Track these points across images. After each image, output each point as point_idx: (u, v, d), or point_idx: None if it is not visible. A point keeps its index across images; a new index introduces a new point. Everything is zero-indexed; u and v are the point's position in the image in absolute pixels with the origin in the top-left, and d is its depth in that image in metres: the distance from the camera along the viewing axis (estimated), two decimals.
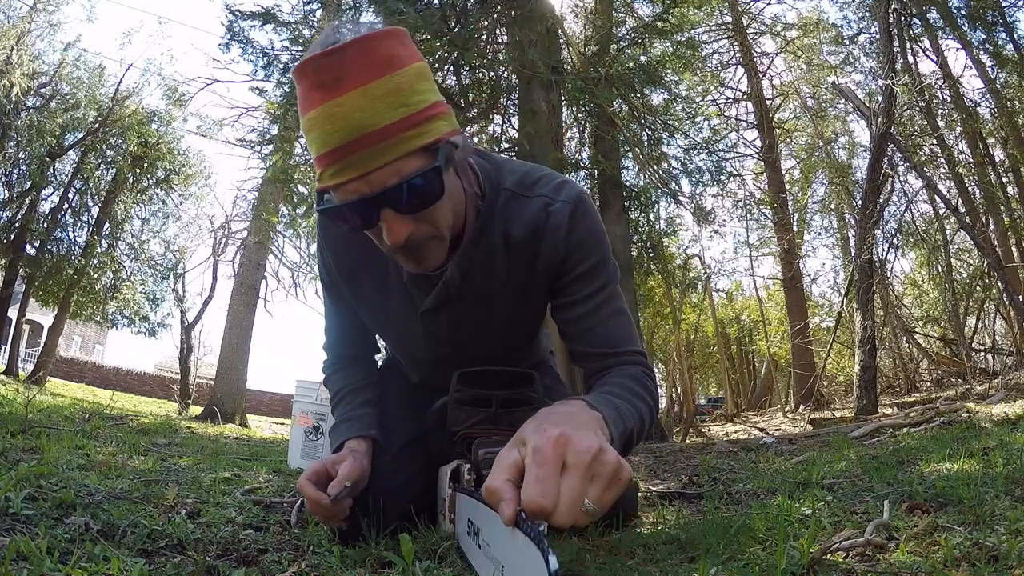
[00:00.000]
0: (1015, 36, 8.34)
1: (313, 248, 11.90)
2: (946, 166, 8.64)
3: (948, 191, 8.47)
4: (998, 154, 9.27)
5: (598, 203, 7.51)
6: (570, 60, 6.44)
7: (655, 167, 7.64)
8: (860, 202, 7.42)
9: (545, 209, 1.05)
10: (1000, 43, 8.47)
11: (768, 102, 12.50)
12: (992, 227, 8.70)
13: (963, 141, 9.44)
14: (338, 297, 1.22)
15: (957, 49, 9.77)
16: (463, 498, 1.01)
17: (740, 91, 12.66)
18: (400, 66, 0.85)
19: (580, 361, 1.11)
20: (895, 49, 6.96)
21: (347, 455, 1.08)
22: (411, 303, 1.13)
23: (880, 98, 6.60)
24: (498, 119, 6.95)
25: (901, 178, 8.40)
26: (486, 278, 1.09)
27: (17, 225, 10.91)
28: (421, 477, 1.22)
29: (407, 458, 1.23)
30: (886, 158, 6.86)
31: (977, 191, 8.96)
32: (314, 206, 0.95)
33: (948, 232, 9.34)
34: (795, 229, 13.23)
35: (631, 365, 1.07)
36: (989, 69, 8.65)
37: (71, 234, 11.88)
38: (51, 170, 11.13)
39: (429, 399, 1.26)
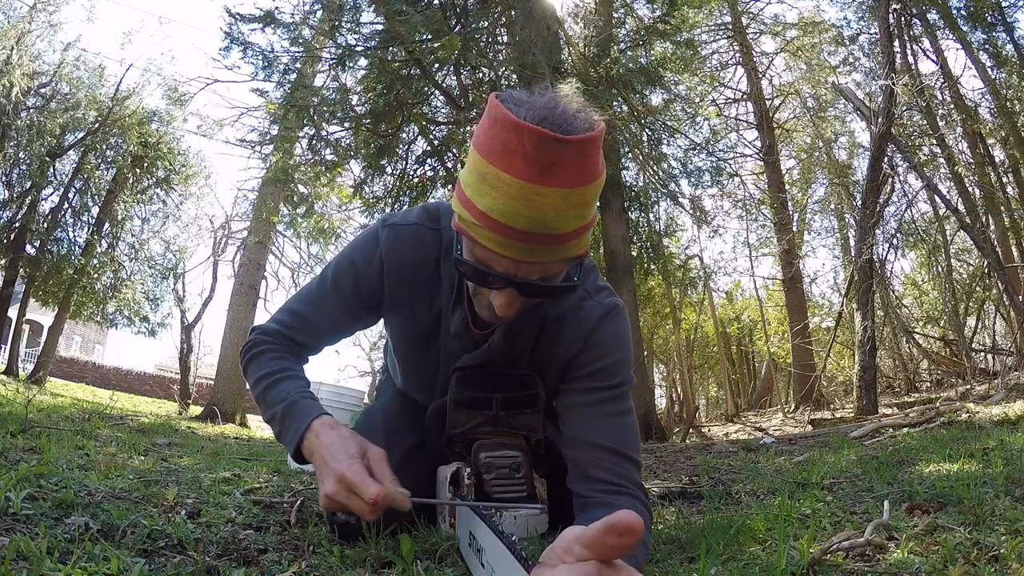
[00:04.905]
0: (1015, 36, 8.34)
1: (314, 248, 11.93)
2: (946, 166, 8.63)
3: (948, 191, 8.45)
4: (998, 154, 9.27)
5: (598, 204, 7.51)
6: (570, 60, 6.44)
7: (655, 167, 7.63)
8: (860, 202, 7.43)
9: (579, 301, 1.07)
10: (1000, 43, 8.46)
11: (768, 102, 12.49)
12: (992, 227, 8.68)
13: (963, 141, 9.43)
14: (343, 305, 1.13)
15: (957, 49, 9.78)
16: (464, 507, 1.01)
17: (740, 91, 12.65)
18: (596, 177, 0.86)
19: (569, 449, 1.04)
20: (895, 49, 6.96)
21: (366, 442, 0.95)
22: (448, 351, 1.13)
23: (880, 98, 6.59)
24: None
25: (901, 178, 8.40)
26: (520, 348, 1.10)
27: (17, 225, 10.90)
28: (426, 479, 1.22)
29: (413, 460, 1.23)
30: (886, 158, 6.86)
31: (977, 191, 8.94)
32: (453, 253, 0.93)
33: (948, 232, 9.34)
34: (795, 229, 13.22)
35: (635, 500, 0.98)
36: (989, 69, 8.64)
37: (71, 234, 11.86)
38: (51, 170, 11.11)
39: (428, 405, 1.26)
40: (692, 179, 8.12)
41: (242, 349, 1.16)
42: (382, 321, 1.23)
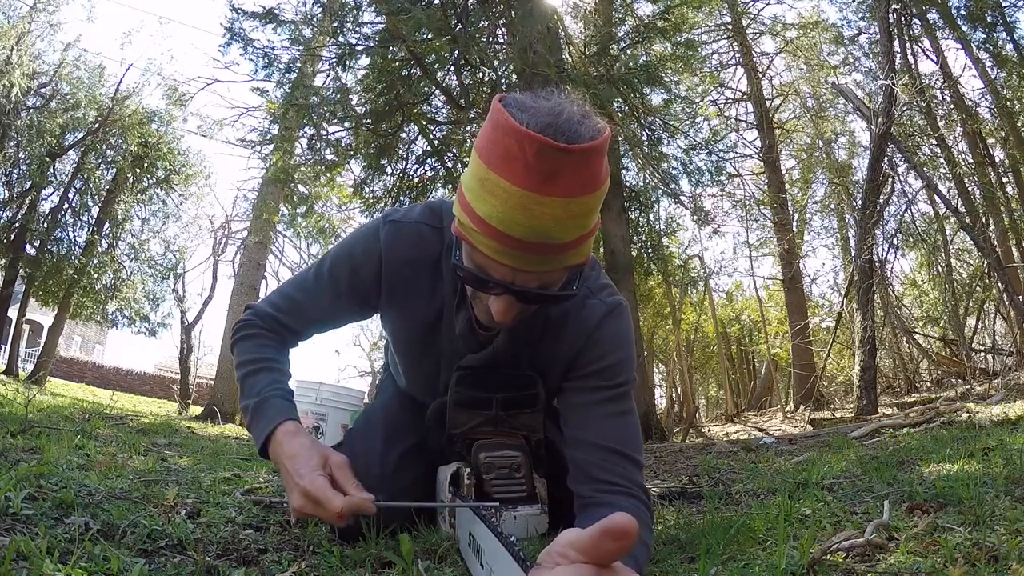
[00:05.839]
0: (1015, 36, 8.34)
1: (314, 248, 11.93)
2: (946, 166, 8.63)
3: (948, 191, 8.45)
4: (998, 154, 9.26)
5: None
6: (570, 60, 6.44)
7: (655, 167, 7.64)
8: (860, 202, 7.43)
9: (583, 300, 1.07)
10: (1000, 43, 8.47)
11: (768, 102, 12.49)
12: (992, 227, 8.68)
13: (963, 141, 9.43)
14: (337, 297, 1.12)
15: (957, 49, 9.78)
16: (464, 508, 1.01)
17: (740, 91, 12.66)
18: (599, 186, 0.84)
19: (571, 449, 1.04)
20: (895, 49, 6.96)
21: (327, 451, 0.95)
22: (451, 350, 1.13)
23: (880, 98, 6.59)
24: None
25: (901, 178, 8.40)
26: (524, 349, 1.10)
27: (17, 225, 10.89)
28: (425, 479, 1.22)
29: (414, 459, 1.23)
30: (886, 158, 6.86)
31: (977, 191, 8.95)
32: (452, 257, 0.93)
33: (948, 232, 9.34)
34: (795, 229, 13.22)
35: (636, 501, 0.98)
36: (989, 69, 8.64)
37: (71, 234, 11.85)
38: (51, 170, 11.10)
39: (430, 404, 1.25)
40: (692, 179, 8.12)
41: (234, 326, 1.17)
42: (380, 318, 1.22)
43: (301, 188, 9.29)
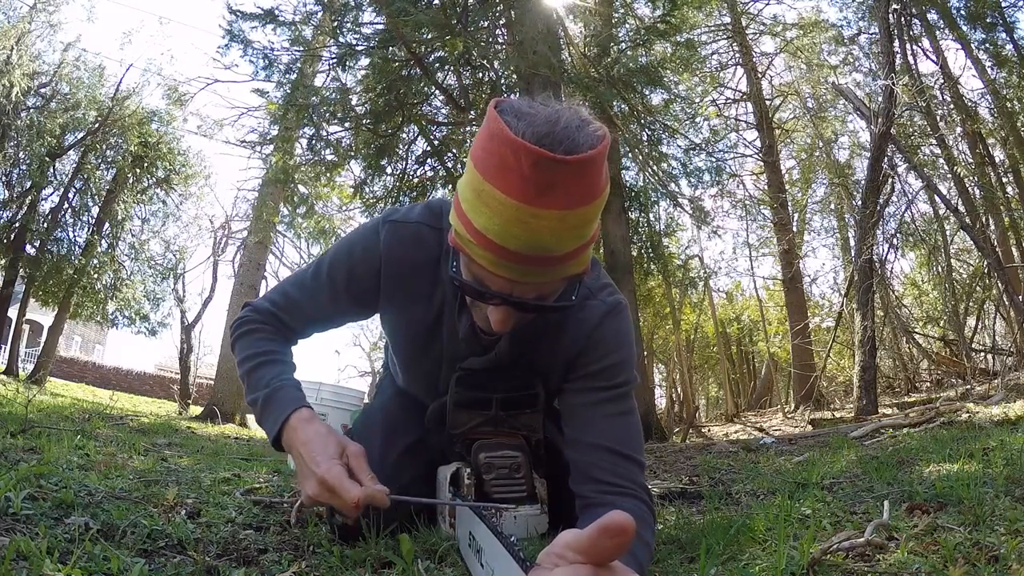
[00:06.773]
0: (1015, 36, 8.35)
1: (315, 249, 11.92)
2: (946, 166, 8.63)
3: (948, 191, 8.45)
4: (998, 154, 9.27)
5: None
6: (570, 60, 6.44)
7: (655, 167, 7.64)
8: (860, 202, 7.43)
9: (582, 300, 1.04)
10: (1000, 43, 8.47)
11: (768, 102, 12.49)
12: (992, 227, 8.69)
13: (963, 141, 9.43)
14: (335, 298, 1.12)
15: (957, 49, 9.78)
16: (464, 507, 1.01)
17: (740, 91, 12.65)
18: (598, 195, 0.82)
19: (572, 450, 1.03)
20: (895, 49, 6.96)
21: (344, 440, 0.93)
22: (453, 351, 1.12)
23: (880, 98, 6.60)
24: None
25: (901, 178, 8.40)
26: (526, 352, 1.09)
27: (17, 225, 10.90)
28: (424, 479, 1.22)
29: (413, 458, 1.22)
30: (886, 158, 6.86)
31: (977, 191, 8.95)
32: (449, 267, 0.92)
33: (948, 232, 9.34)
34: (795, 229, 13.22)
35: (638, 502, 0.97)
36: (989, 69, 8.64)
37: (71, 234, 11.85)
38: (51, 170, 11.10)
39: (430, 404, 1.25)
40: (692, 179, 8.14)
41: (233, 323, 1.16)
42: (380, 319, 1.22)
43: (301, 188, 9.30)
